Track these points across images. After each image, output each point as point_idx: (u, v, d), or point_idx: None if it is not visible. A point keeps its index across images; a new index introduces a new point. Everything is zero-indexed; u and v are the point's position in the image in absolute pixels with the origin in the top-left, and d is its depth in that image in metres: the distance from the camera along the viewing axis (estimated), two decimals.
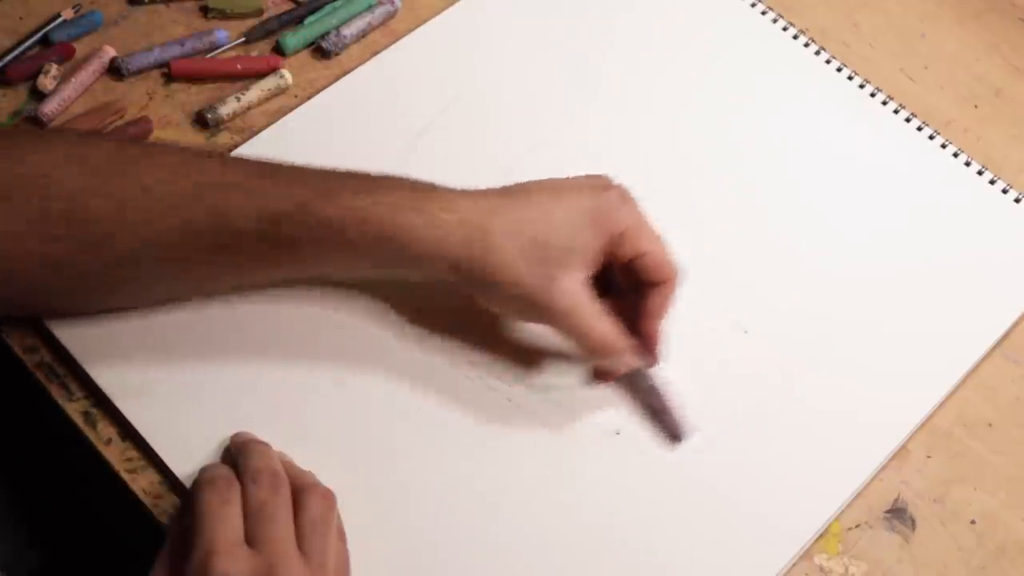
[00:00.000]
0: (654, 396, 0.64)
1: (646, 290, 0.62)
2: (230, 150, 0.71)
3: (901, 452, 0.65)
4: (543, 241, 0.59)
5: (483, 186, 0.66)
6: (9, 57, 0.74)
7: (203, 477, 0.57)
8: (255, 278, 0.64)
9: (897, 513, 0.63)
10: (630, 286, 0.63)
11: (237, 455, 0.59)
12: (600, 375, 0.65)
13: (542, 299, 0.60)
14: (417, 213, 0.58)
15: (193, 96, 0.74)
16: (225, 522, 0.55)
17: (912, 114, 0.75)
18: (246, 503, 0.56)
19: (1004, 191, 0.73)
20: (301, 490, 0.57)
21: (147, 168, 0.59)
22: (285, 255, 0.60)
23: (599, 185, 0.62)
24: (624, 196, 0.62)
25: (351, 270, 0.62)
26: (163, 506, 0.60)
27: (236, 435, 0.61)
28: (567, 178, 0.62)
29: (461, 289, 0.61)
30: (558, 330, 0.62)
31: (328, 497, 0.57)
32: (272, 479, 0.57)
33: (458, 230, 0.59)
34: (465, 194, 0.60)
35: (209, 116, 0.72)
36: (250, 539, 0.55)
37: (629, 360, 0.63)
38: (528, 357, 0.65)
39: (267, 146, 0.71)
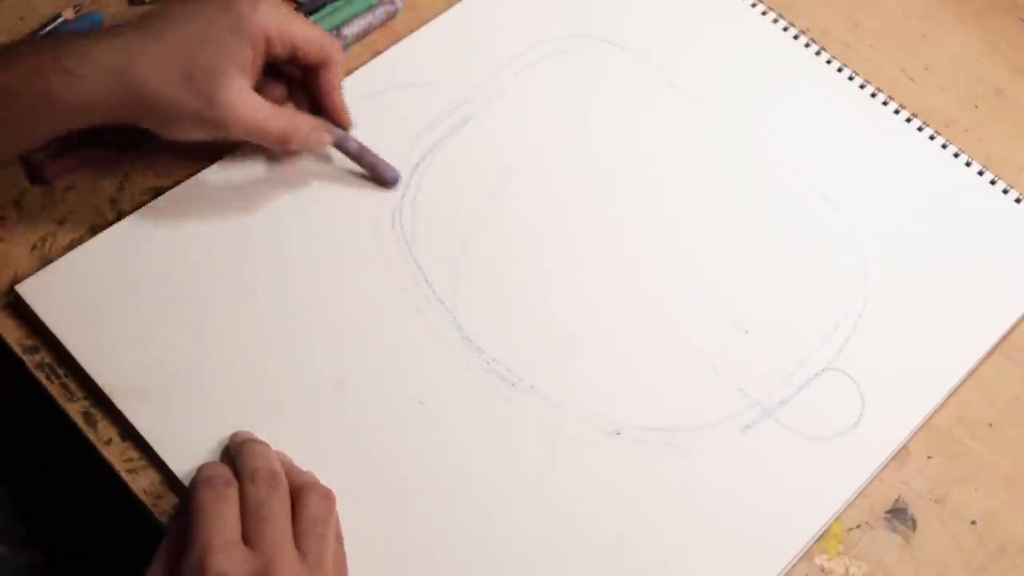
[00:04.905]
0: (363, 154, 0.70)
1: (316, 72, 0.68)
2: (231, 150, 0.71)
3: (901, 452, 0.64)
4: (190, 65, 0.63)
5: (487, 190, 0.66)
6: None
7: (201, 475, 0.57)
8: None
9: (898, 513, 0.63)
10: (300, 71, 0.69)
11: (235, 454, 0.59)
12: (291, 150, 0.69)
13: (209, 117, 0.64)
14: (57, 74, 0.60)
15: None
16: (222, 520, 0.55)
17: (912, 114, 0.75)
18: (244, 502, 0.56)
19: (1004, 191, 0.73)
20: (300, 489, 0.57)
21: None
22: None
23: None
24: (253, 1, 0.65)
25: (28, 139, 0.64)
26: (163, 506, 0.60)
27: (235, 435, 0.61)
28: None
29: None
30: (239, 137, 0.66)
31: (328, 497, 0.58)
32: (270, 478, 0.57)
33: (102, 81, 0.61)
34: (101, 40, 0.62)
35: None
36: (247, 538, 0.55)
37: (325, 137, 0.68)
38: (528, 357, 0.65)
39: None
